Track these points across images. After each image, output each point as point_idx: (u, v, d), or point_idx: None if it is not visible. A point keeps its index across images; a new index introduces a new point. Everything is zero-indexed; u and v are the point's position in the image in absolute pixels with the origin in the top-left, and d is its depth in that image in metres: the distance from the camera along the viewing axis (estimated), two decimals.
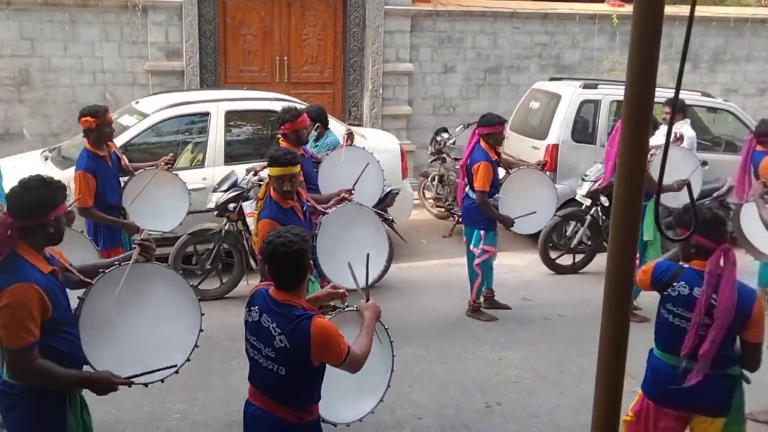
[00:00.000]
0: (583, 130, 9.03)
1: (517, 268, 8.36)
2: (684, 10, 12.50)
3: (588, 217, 8.20)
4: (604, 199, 8.03)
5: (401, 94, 11.57)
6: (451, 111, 11.84)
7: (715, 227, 3.63)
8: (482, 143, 6.73)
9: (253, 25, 11.04)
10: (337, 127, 8.35)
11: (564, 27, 12.10)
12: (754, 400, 4.04)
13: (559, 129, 8.95)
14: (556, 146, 8.78)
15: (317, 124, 7.14)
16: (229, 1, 10.88)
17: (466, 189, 6.89)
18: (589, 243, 8.36)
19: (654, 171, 6.83)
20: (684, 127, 8.10)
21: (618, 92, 9.14)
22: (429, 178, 10.34)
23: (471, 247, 6.89)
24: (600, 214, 8.19)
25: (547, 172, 7.58)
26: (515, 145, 9.50)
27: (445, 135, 10.24)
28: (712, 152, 9.24)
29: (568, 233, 8.42)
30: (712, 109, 9.86)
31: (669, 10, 12.56)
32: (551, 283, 8.08)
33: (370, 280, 3.80)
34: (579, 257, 8.37)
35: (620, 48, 12.11)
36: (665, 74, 12.12)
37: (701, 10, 12.76)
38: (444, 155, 10.03)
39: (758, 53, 12.83)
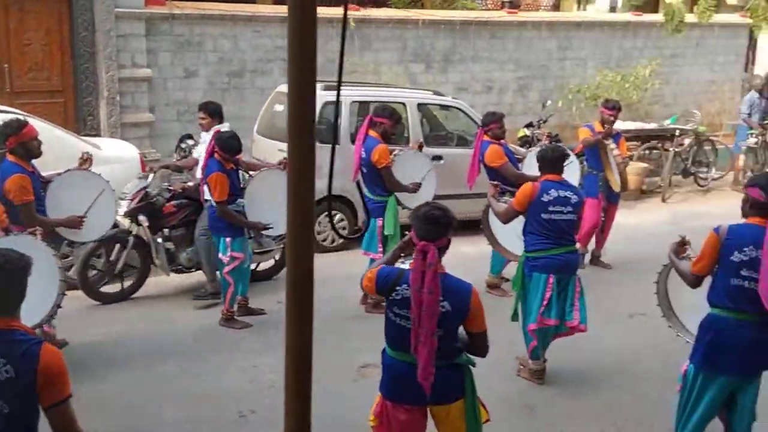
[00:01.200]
0: (326, 131, 9.19)
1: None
2: (413, 13, 13.29)
3: (131, 239, 7.33)
4: (143, 218, 7.31)
5: (141, 100, 11.05)
6: (196, 116, 11.51)
7: (422, 224, 3.66)
8: (216, 155, 6.71)
9: None
10: (71, 141, 7.77)
11: None
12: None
13: None
14: None
15: None
16: None
17: (209, 198, 6.77)
18: (139, 266, 7.57)
19: (396, 171, 7.20)
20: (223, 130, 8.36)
21: (357, 93, 9.46)
22: None
23: (219, 255, 6.76)
24: (147, 233, 7.38)
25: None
26: (263, 148, 9.47)
27: (191, 141, 9.90)
28: (446, 147, 9.86)
29: (111, 258, 7.38)
30: (444, 107, 10.48)
31: (393, 13, 13.27)
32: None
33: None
34: (129, 282, 7.55)
35: (359, 50, 12.53)
36: (401, 75, 12.81)
37: (431, 14, 13.59)
38: None
39: (482, 54, 13.92)
